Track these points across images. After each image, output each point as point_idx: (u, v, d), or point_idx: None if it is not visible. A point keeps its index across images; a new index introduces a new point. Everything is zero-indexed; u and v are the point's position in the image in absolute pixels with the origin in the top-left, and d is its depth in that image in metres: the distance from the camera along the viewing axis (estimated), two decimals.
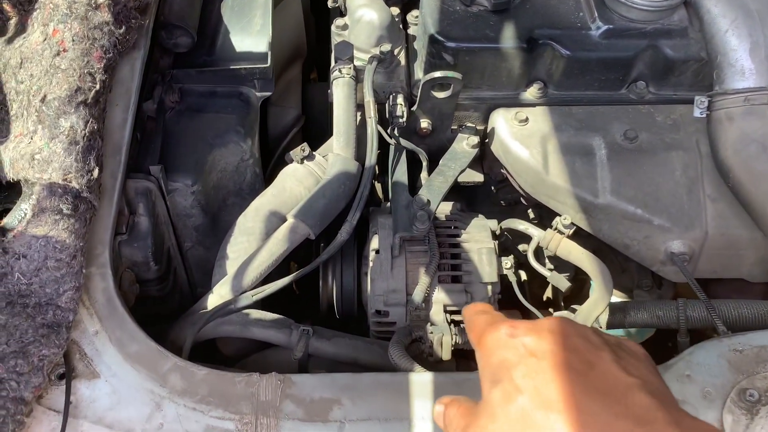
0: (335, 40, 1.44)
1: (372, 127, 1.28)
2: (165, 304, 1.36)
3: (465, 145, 1.40)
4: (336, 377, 1.05)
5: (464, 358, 1.28)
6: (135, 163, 1.21)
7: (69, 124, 1.00)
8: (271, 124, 1.58)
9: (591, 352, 0.65)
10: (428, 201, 1.25)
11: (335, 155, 1.30)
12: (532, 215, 1.70)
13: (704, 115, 1.35)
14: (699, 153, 1.36)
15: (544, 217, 1.68)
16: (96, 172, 1.03)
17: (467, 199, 1.66)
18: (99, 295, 1.09)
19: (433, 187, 1.29)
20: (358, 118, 1.38)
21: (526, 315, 1.44)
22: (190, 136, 1.29)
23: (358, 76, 1.37)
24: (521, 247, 1.54)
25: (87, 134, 1.02)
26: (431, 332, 1.22)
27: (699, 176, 1.35)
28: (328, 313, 1.39)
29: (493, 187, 1.64)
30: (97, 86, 1.04)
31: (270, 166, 1.48)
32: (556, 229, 1.33)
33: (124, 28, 1.07)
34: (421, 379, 1.05)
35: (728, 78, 1.31)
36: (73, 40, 1.02)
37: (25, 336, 0.97)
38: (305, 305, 1.51)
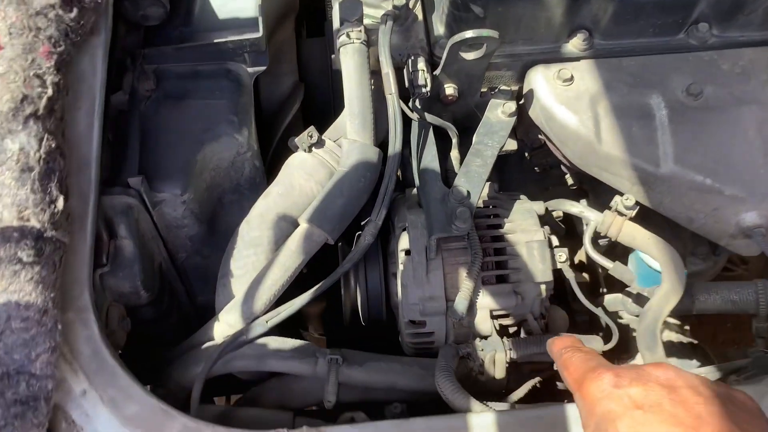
0: None
1: (394, 104, 1.06)
2: (162, 323, 1.16)
3: (500, 113, 1.18)
4: (381, 427, 0.87)
5: (516, 372, 1.10)
6: (109, 175, 0.98)
7: (18, 146, 0.77)
8: (264, 96, 1.34)
9: (701, 405, 0.64)
10: (468, 193, 1.04)
11: (350, 141, 1.08)
12: (570, 182, 1.50)
13: None
14: None
15: (585, 183, 1.49)
16: (60, 202, 0.81)
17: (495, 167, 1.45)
18: (83, 346, 0.89)
19: (471, 174, 1.07)
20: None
21: (572, 316, 1.27)
22: (173, 131, 1.05)
23: (369, 40, 1.12)
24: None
25: (43, 156, 0.79)
26: (482, 349, 1.03)
27: None
28: (352, 320, 1.20)
29: (526, 153, 1.43)
30: (49, 91, 0.80)
31: (270, 153, 1.25)
32: (615, 210, 1.13)
33: (75, 10, 0.82)
34: (483, 422, 0.87)
35: None
36: (9, 34, 0.78)
37: None
38: (325, 313, 1.32)
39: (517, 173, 1.49)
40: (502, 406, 0.96)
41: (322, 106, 1.49)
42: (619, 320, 1.38)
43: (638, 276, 1.46)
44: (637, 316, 1.27)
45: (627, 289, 1.29)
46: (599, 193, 1.43)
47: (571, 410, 0.88)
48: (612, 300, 1.30)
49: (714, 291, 1.19)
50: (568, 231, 1.44)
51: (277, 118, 1.30)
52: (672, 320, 1.42)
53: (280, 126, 1.27)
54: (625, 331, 1.39)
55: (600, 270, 1.44)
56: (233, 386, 1.30)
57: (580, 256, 1.57)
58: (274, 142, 1.26)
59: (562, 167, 1.39)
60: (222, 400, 1.47)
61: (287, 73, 1.37)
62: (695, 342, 1.38)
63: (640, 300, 1.23)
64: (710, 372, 1.21)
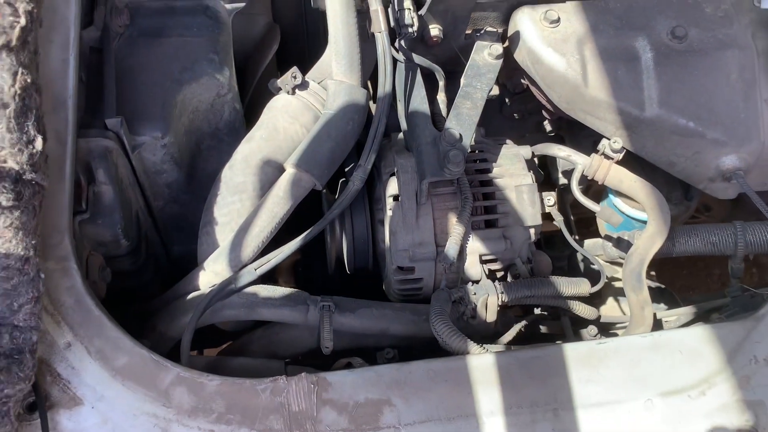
0: None
1: (384, 42, 1.02)
2: (139, 276, 1.12)
3: (487, 56, 1.15)
4: (381, 371, 0.86)
5: (503, 316, 1.10)
6: (84, 117, 0.91)
7: None
8: (236, 39, 1.27)
9: None
10: (460, 136, 1.01)
11: (337, 83, 1.04)
12: (548, 128, 1.49)
13: None
14: (755, 50, 1.17)
15: (563, 128, 1.48)
16: (39, 143, 0.75)
17: None
18: (64, 297, 0.85)
19: (462, 117, 1.05)
20: None
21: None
22: (150, 71, 0.99)
23: None
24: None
25: (18, 91, 0.73)
26: (474, 293, 1.02)
27: (756, 78, 1.17)
28: (336, 269, 1.18)
29: (507, 99, 1.41)
30: (22, 20, 0.73)
31: (247, 97, 1.19)
32: (602, 153, 1.12)
33: None
34: (482, 363, 0.87)
35: None
36: None
37: None
38: (307, 260, 1.29)
39: (495, 119, 1.47)
40: (497, 348, 0.96)
41: (295, 48, 1.44)
42: (591, 266, 1.40)
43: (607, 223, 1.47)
44: (615, 260, 1.29)
45: (606, 234, 1.30)
46: (578, 140, 1.43)
47: (569, 350, 0.89)
48: (591, 245, 1.31)
49: (694, 234, 1.21)
50: (545, 178, 1.44)
51: (253, 61, 1.24)
52: None
53: (258, 69, 1.21)
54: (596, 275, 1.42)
55: (571, 217, 1.45)
56: (211, 340, 1.27)
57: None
58: (252, 85, 1.21)
59: (543, 113, 1.38)
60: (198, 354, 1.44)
61: (260, 14, 1.31)
62: (662, 286, 1.41)
63: (620, 244, 1.25)
64: (691, 311, 1.24)
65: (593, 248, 1.31)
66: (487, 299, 1.02)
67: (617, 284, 1.37)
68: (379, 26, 1.01)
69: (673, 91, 1.14)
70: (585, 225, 1.53)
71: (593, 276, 1.41)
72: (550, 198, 1.13)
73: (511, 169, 1.11)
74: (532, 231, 1.09)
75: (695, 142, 1.15)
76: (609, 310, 1.40)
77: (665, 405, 0.86)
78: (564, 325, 1.14)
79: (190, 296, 0.98)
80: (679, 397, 0.87)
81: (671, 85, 1.14)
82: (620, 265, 1.33)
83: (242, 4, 1.08)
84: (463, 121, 1.04)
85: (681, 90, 1.14)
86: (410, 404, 0.84)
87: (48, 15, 0.82)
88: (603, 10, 1.17)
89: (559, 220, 1.11)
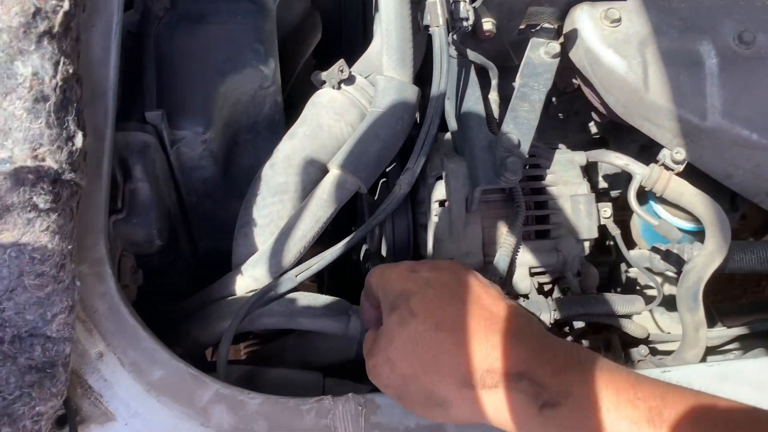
0: None
1: (441, 37, 0.95)
2: (167, 274, 1.06)
3: (543, 54, 1.08)
4: None
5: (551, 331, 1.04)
6: (122, 108, 0.84)
7: (30, 70, 0.64)
8: None
9: (480, 288, 0.77)
10: (519, 142, 0.95)
11: (387, 78, 0.97)
12: (594, 130, 1.43)
13: None
14: None
15: (609, 131, 1.42)
16: (79, 139, 0.69)
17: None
18: (98, 304, 0.79)
19: (520, 120, 0.98)
20: None
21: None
22: (192, 60, 0.92)
23: None
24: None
25: (59, 83, 0.66)
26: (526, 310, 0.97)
27: None
28: None
29: (554, 98, 1.35)
30: (66, 4, 0.67)
31: (287, 90, 1.12)
32: (662, 164, 1.06)
33: None
34: None
35: None
36: None
37: (6, 389, 0.67)
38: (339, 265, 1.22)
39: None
40: None
41: (329, 38, 1.37)
42: (627, 274, 1.34)
43: (645, 232, 1.42)
44: (663, 273, 1.23)
45: (655, 245, 1.25)
46: (624, 144, 1.37)
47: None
48: (639, 256, 1.25)
49: (749, 250, 1.15)
50: None
51: (291, 50, 1.17)
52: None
53: (299, 60, 1.14)
54: (633, 286, 1.36)
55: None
56: (237, 337, 1.22)
57: None
58: (292, 78, 1.14)
59: (593, 115, 1.32)
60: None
61: None
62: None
63: (669, 258, 1.19)
64: (741, 331, 1.19)
65: (640, 260, 1.25)
66: (540, 317, 0.96)
67: (649, 292, 1.32)
68: (437, 20, 0.94)
69: (738, 100, 1.07)
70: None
71: (632, 286, 1.36)
72: (607, 209, 1.06)
73: (566, 177, 1.05)
74: (586, 244, 1.03)
75: (757, 155, 1.09)
76: (641, 320, 1.35)
77: None
78: (614, 344, 1.09)
79: (227, 301, 0.92)
80: None
81: (736, 93, 1.07)
82: (660, 275, 1.28)
83: None
84: (521, 125, 0.97)
85: (746, 99, 1.07)
86: (465, 430, 0.79)
87: None
88: (666, 10, 1.11)
89: (616, 234, 1.05)
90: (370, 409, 0.78)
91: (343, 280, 1.34)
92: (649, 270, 1.24)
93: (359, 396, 0.79)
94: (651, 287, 1.31)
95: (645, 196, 1.30)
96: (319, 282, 1.54)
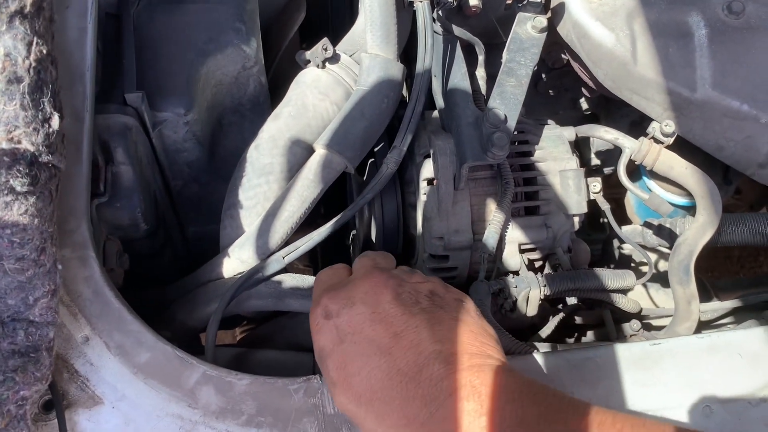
0: None
1: (425, 12, 0.94)
2: (156, 259, 1.05)
3: (530, 28, 1.07)
4: None
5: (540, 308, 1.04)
6: (101, 92, 0.83)
7: (2, 51, 0.63)
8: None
9: (400, 319, 0.66)
10: (505, 117, 0.94)
11: (372, 56, 0.96)
12: (584, 106, 1.42)
13: None
14: None
15: (600, 107, 1.41)
16: (56, 121, 0.68)
17: None
18: (82, 287, 0.78)
19: (507, 95, 0.97)
20: None
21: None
22: (172, 41, 0.91)
23: None
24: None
25: (33, 64, 0.65)
26: (515, 286, 0.96)
27: None
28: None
29: (543, 75, 1.33)
30: None
31: (271, 70, 1.11)
32: (652, 137, 1.05)
33: None
34: (530, 365, 0.81)
35: None
36: None
37: None
38: (331, 243, 1.22)
39: (527, 95, 1.39)
40: (544, 346, 0.90)
41: (316, 17, 1.35)
42: (621, 250, 1.33)
43: (639, 209, 1.41)
44: (655, 248, 1.22)
45: (647, 220, 1.24)
46: (615, 119, 1.36)
47: (621, 351, 0.83)
48: (631, 231, 1.25)
49: (741, 223, 1.14)
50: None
51: (276, 30, 1.16)
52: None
53: (283, 41, 1.13)
54: (627, 263, 1.35)
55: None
56: (226, 322, 1.22)
57: None
58: (276, 58, 1.13)
59: (583, 90, 1.31)
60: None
61: None
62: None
63: (662, 232, 1.18)
64: (730, 305, 1.18)
65: (632, 235, 1.25)
66: (530, 293, 0.96)
67: (643, 268, 1.31)
68: None
69: (728, 71, 1.06)
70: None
71: (626, 263, 1.35)
72: (596, 184, 1.06)
73: (555, 153, 1.04)
74: (576, 219, 1.02)
75: (748, 126, 1.08)
76: (636, 297, 1.35)
77: (725, 411, 0.80)
78: (606, 320, 1.08)
79: (214, 284, 0.91)
80: (739, 404, 0.81)
81: (725, 64, 1.06)
82: (655, 251, 1.27)
83: None
84: (507, 101, 0.96)
85: (736, 70, 1.06)
86: None
87: None
88: None
89: (606, 208, 1.04)
90: None
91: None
92: (642, 246, 1.23)
93: None
94: (645, 263, 1.31)
95: (638, 172, 1.30)
96: (313, 268, 1.54)
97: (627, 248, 1.31)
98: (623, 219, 1.41)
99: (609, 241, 1.32)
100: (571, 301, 1.13)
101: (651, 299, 1.32)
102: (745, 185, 1.49)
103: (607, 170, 1.35)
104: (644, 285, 1.29)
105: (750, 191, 1.58)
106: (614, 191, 1.39)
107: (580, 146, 1.43)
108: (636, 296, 1.29)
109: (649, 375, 0.82)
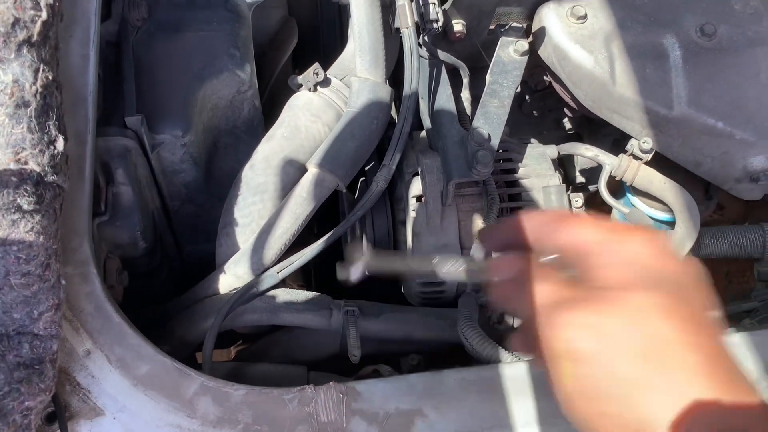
0: None
1: (411, 38, 0.98)
2: (154, 277, 1.08)
3: (512, 52, 1.12)
4: (411, 380, 0.83)
5: None
6: (103, 116, 0.88)
7: (11, 78, 0.67)
8: (252, 32, 1.23)
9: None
10: (489, 136, 0.98)
11: (361, 80, 1.01)
12: (568, 126, 1.47)
13: None
14: None
15: (583, 127, 1.45)
16: (60, 143, 0.71)
17: None
18: (84, 303, 0.81)
19: (490, 115, 1.02)
20: None
21: None
22: (169, 66, 0.95)
23: None
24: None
25: (39, 89, 0.69)
26: None
27: None
28: None
29: (527, 96, 1.38)
30: (43, 14, 0.70)
31: (265, 94, 1.16)
32: (631, 154, 1.10)
33: None
34: (516, 374, 0.84)
35: None
36: None
37: None
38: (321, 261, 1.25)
39: (513, 117, 1.44)
40: (530, 356, 0.93)
41: (309, 43, 1.40)
42: None
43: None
44: None
45: None
46: (598, 138, 1.40)
47: None
48: None
49: (721, 236, 1.19)
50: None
51: (270, 56, 1.21)
52: None
53: (276, 65, 1.17)
54: None
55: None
56: (224, 340, 1.24)
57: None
58: (270, 82, 1.17)
59: (565, 110, 1.35)
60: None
61: (277, 6, 1.27)
62: None
63: None
64: (719, 312, 1.21)
65: None
66: None
67: None
68: (406, 21, 0.97)
69: (702, 90, 1.11)
70: None
71: None
72: (578, 200, 1.10)
73: (538, 170, 1.09)
74: None
75: (723, 142, 1.12)
76: None
77: None
78: None
79: (210, 299, 0.95)
80: None
81: (700, 83, 1.11)
82: None
83: None
84: (491, 120, 1.01)
85: (710, 88, 1.11)
86: (443, 414, 0.81)
87: (68, 8, 0.78)
88: (630, 5, 1.15)
89: None
90: (350, 396, 0.81)
91: (332, 283, 1.37)
92: None
93: (340, 384, 0.81)
94: None
95: (622, 189, 1.34)
96: (307, 287, 1.56)
97: None
98: None
99: None
100: None
101: None
102: (727, 201, 1.53)
103: (591, 188, 1.39)
104: None
105: (733, 207, 1.63)
106: (601, 208, 1.43)
107: (565, 165, 1.48)
108: None
109: None
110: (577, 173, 1.40)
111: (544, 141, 1.24)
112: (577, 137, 1.47)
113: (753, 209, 1.69)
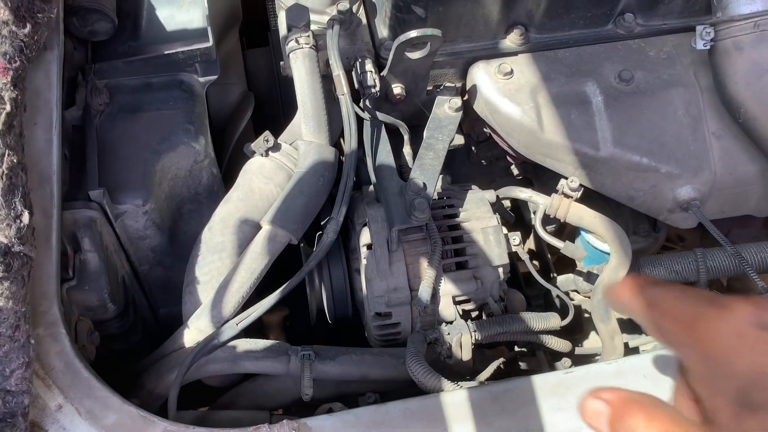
0: (282, 2, 1.21)
1: (348, 104, 1.09)
2: (127, 338, 1.16)
3: (447, 109, 1.23)
4: (359, 413, 0.90)
5: (480, 355, 1.15)
6: (69, 190, 0.98)
7: None
8: (213, 107, 1.35)
9: None
10: (424, 185, 1.08)
11: (307, 143, 1.11)
12: (516, 172, 1.57)
13: (708, 47, 1.22)
14: (699, 87, 1.25)
15: (530, 173, 1.55)
16: (26, 217, 0.81)
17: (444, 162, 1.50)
18: (54, 361, 0.89)
19: (426, 166, 1.12)
20: None
21: (527, 300, 1.31)
22: (130, 144, 1.06)
23: (317, 45, 1.16)
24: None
25: (5, 171, 0.79)
26: (448, 333, 1.07)
27: (701, 113, 1.25)
28: (318, 319, 1.23)
29: (473, 147, 1.49)
30: (7, 107, 0.80)
31: (225, 161, 1.26)
32: (562, 193, 1.19)
33: (29, 26, 0.83)
34: (455, 400, 0.91)
35: (733, 2, 1.18)
36: None
37: None
38: (294, 314, 1.33)
39: (464, 167, 1.54)
40: (471, 384, 1.00)
41: (270, 114, 1.52)
42: (572, 301, 1.45)
43: (585, 257, 1.53)
44: (588, 294, 1.34)
45: (578, 269, 1.36)
46: (544, 181, 1.50)
47: (538, 381, 0.93)
48: (564, 280, 1.37)
49: (658, 263, 1.26)
50: (517, 220, 1.51)
51: (230, 127, 1.32)
52: None
53: (234, 134, 1.28)
54: (578, 312, 1.46)
55: (549, 256, 1.51)
56: (202, 399, 1.31)
57: (529, 245, 1.64)
58: (229, 150, 1.28)
59: (508, 158, 1.45)
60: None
61: (235, 83, 1.39)
62: None
63: (591, 278, 1.30)
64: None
65: (566, 283, 1.37)
66: (461, 338, 1.07)
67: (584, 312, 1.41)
68: (342, 89, 1.08)
69: (625, 130, 1.21)
70: (570, 263, 1.58)
71: (578, 311, 1.46)
72: (516, 238, 1.18)
73: (477, 213, 1.18)
74: (500, 270, 1.14)
75: (651, 177, 1.22)
76: (591, 343, 1.45)
77: None
78: (539, 359, 1.19)
79: (175, 353, 1.02)
80: None
81: (622, 124, 1.21)
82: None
83: (215, 77, 1.16)
84: (426, 171, 1.11)
85: (632, 128, 1.21)
86: None
87: (32, 99, 0.89)
88: (553, 60, 1.26)
89: (525, 259, 1.17)
90: (303, 431, 0.88)
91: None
92: (575, 291, 1.35)
93: (293, 421, 0.88)
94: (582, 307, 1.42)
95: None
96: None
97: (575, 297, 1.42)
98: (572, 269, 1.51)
99: (548, 291, 1.44)
100: (517, 349, 1.24)
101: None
102: (687, 233, 1.61)
103: (549, 228, 1.48)
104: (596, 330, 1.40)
105: (693, 237, 1.71)
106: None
107: (520, 208, 1.57)
108: (592, 341, 1.39)
109: (563, 400, 0.92)
110: (532, 215, 1.50)
111: (497, 187, 1.34)
112: (526, 181, 1.57)
113: (708, 238, 1.76)
